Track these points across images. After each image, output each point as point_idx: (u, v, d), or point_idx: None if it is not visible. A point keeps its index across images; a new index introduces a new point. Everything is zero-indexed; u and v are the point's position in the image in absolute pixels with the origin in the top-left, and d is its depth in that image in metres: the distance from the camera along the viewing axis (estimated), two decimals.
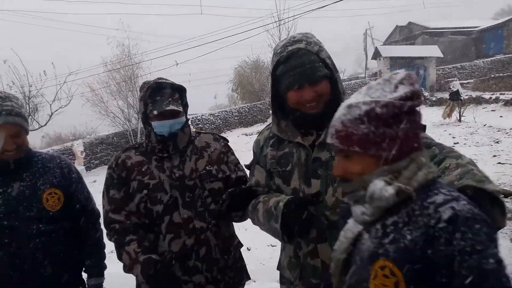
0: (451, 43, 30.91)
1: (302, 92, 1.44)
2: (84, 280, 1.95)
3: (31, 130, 1.98)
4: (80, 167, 12.45)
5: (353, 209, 1.00)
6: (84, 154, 14.03)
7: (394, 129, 0.91)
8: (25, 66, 18.36)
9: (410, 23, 35.23)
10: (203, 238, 1.76)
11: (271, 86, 1.56)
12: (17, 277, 1.67)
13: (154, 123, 1.79)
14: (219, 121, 21.84)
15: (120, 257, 1.75)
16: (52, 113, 18.10)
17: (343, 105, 0.99)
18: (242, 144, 12.77)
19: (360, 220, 0.99)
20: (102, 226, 1.89)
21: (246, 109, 23.94)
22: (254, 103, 24.96)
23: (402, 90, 0.92)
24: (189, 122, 1.94)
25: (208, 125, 21.12)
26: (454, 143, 10.17)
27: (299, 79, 1.42)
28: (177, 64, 19.89)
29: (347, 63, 47.02)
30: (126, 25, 21.57)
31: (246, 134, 18.74)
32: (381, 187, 0.91)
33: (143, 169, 1.80)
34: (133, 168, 1.81)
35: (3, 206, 1.68)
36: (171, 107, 1.74)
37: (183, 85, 1.88)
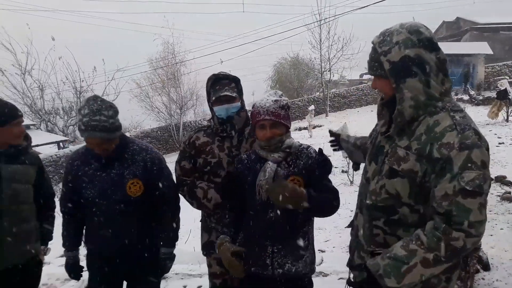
0: (503, 39, 29.46)
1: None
2: (159, 249, 2.26)
3: None
4: None
5: (271, 156, 1.89)
6: None
7: (289, 114, 1.94)
8: (78, 63, 19.59)
9: (458, 18, 33.83)
10: None
11: None
12: (104, 243, 2.17)
13: (214, 108, 2.21)
14: None
15: (193, 196, 2.20)
16: None
17: (271, 99, 1.87)
18: None
19: (276, 160, 1.89)
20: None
21: None
22: (293, 100, 25.10)
23: (284, 97, 1.95)
24: (245, 108, 2.28)
25: None
26: (499, 143, 9.88)
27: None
28: (222, 62, 20.48)
29: None
30: (171, 23, 22.35)
31: None
32: (294, 141, 1.93)
33: (207, 149, 2.24)
34: (200, 148, 2.25)
35: (97, 187, 2.11)
36: (226, 93, 2.16)
37: (237, 76, 2.26)
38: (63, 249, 2.31)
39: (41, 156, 16.43)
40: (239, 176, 1.99)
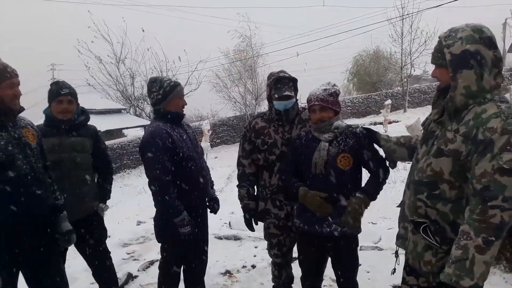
0: None
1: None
2: None
3: None
4: (206, 143, 14.03)
5: (322, 136, 2.31)
6: (210, 132, 15.72)
7: (338, 100, 2.35)
8: (164, 52, 21.04)
9: None
10: None
11: None
12: (199, 189, 2.70)
13: (275, 102, 2.65)
14: None
15: (240, 180, 2.82)
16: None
17: (321, 88, 2.31)
18: None
19: (327, 140, 2.30)
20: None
21: (360, 99, 23.62)
22: (369, 94, 24.47)
23: (336, 87, 2.36)
24: (298, 102, 2.74)
25: None
26: None
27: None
28: (298, 55, 20.75)
29: None
30: (246, 17, 22.95)
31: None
32: (341, 123, 2.32)
33: (265, 132, 2.71)
34: (259, 130, 2.73)
35: (188, 145, 2.62)
36: (287, 93, 2.61)
37: (296, 77, 2.71)
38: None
39: (128, 137, 18.15)
40: (296, 148, 2.46)
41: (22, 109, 2.13)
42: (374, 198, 2.30)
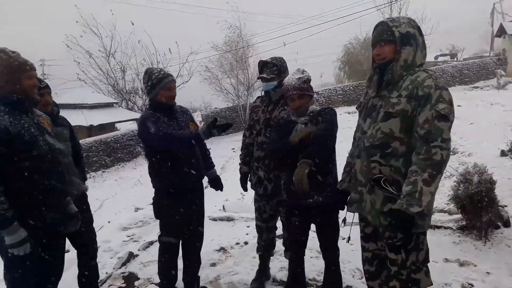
0: None
1: (375, 49, 2.11)
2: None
3: None
4: None
5: (299, 119, 2.55)
6: (202, 123, 15.87)
7: (311, 85, 2.59)
8: (155, 45, 21.02)
9: None
10: None
11: None
12: (184, 174, 2.86)
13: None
14: (322, 99, 22.19)
15: (242, 149, 3.33)
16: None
17: (296, 77, 2.52)
18: (344, 122, 13.06)
19: (303, 122, 2.53)
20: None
21: (351, 87, 23.86)
22: (360, 82, 24.72)
23: (307, 73, 2.59)
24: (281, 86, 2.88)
25: None
26: None
27: (372, 39, 2.15)
28: (285, 45, 20.86)
29: (470, 40, 43.04)
30: (235, 7, 22.86)
31: (349, 113, 18.85)
32: (315, 108, 2.56)
33: (256, 110, 3.17)
34: (253, 109, 3.23)
35: (174, 130, 2.79)
36: (264, 75, 3.03)
37: (279, 62, 3.04)
38: None
39: (121, 130, 18.19)
40: (280, 128, 2.68)
41: (38, 100, 2.40)
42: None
